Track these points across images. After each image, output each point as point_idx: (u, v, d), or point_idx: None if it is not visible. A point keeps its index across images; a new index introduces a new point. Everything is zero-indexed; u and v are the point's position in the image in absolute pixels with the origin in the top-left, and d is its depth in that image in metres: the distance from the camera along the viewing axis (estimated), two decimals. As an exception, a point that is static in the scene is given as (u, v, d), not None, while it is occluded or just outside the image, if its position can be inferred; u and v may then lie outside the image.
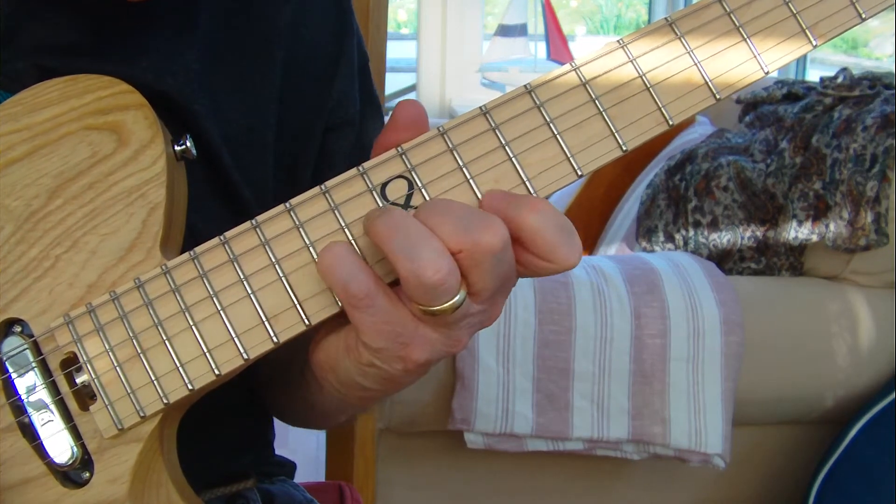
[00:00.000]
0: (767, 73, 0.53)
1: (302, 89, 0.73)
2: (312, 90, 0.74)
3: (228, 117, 0.69)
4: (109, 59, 0.57)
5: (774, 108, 1.91)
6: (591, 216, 2.23)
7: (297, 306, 0.51)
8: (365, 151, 0.75)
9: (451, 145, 0.52)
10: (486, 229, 0.46)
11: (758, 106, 2.00)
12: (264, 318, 0.51)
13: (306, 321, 0.51)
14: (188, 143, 0.56)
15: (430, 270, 0.45)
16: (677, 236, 1.89)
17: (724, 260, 1.81)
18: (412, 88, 3.75)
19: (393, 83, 3.77)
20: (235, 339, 0.51)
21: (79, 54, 0.61)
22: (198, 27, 0.67)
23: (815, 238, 1.68)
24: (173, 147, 0.55)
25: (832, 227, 1.65)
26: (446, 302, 0.47)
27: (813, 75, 3.36)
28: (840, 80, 1.79)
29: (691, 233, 1.85)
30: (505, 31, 3.50)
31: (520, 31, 3.50)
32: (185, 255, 0.52)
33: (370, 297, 0.48)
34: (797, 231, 1.69)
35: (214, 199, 0.67)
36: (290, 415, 0.76)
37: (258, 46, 0.70)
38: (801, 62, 3.37)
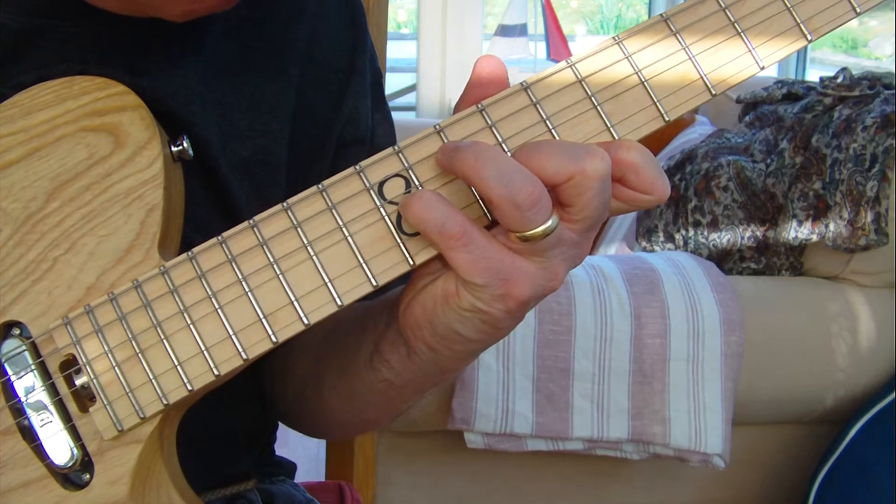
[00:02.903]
0: (763, 67, 0.53)
1: (314, 106, 0.73)
2: (324, 107, 0.74)
3: (242, 136, 0.68)
4: (112, 78, 0.57)
5: (774, 108, 1.91)
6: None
7: (296, 305, 0.51)
8: None
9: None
10: (592, 156, 0.48)
11: (758, 106, 2.00)
12: (262, 318, 0.51)
13: (305, 320, 0.51)
14: (185, 144, 0.56)
15: (524, 192, 0.47)
16: (677, 236, 1.89)
17: (724, 260, 1.81)
18: (412, 88, 3.74)
19: (393, 83, 3.77)
20: (234, 339, 0.51)
21: (82, 71, 0.61)
22: (205, 48, 0.67)
23: (814, 238, 1.68)
24: (170, 148, 0.55)
25: (832, 226, 1.65)
26: (540, 225, 0.48)
27: (813, 75, 3.36)
28: (840, 80, 1.79)
29: (691, 233, 1.85)
30: (505, 31, 3.51)
31: (520, 31, 3.50)
32: (183, 256, 0.52)
33: (467, 235, 0.49)
34: (797, 231, 1.69)
35: (214, 217, 0.67)
36: (339, 413, 0.72)
37: (273, 66, 0.70)
38: (801, 62, 3.37)
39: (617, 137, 0.52)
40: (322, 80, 0.73)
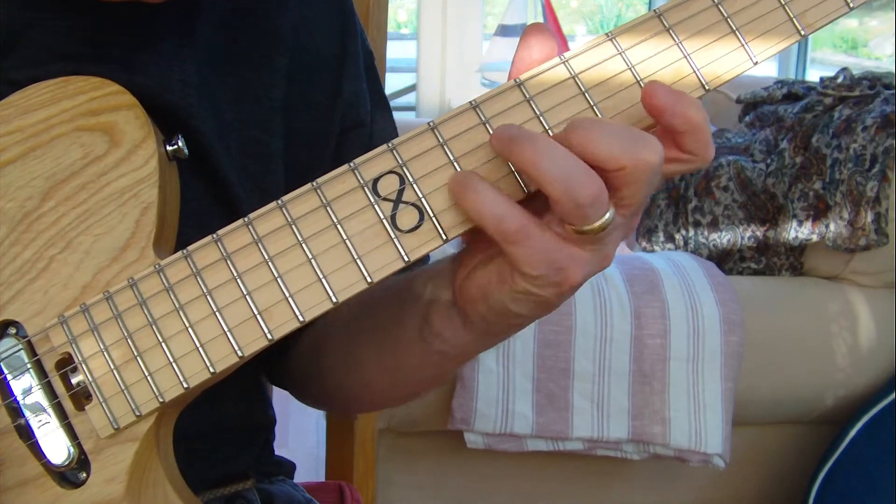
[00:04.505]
0: (756, 63, 0.53)
1: (309, 95, 0.73)
2: (320, 95, 0.73)
3: (233, 128, 0.68)
4: (107, 74, 0.57)
5: (774, 108, 1.91)
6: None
7: (290, 301, 0.51)
8: None
9: (441, 140, 0.52)
10: (646, 147, 0.47)
11: (758, 106, 2.00)
12: (258, 315, 0.51)
13: (300, 317, 0.51)
14: (180, 143, 0.56)
15: (585, 190, 0.47)
16: (677, 236, 1.89)
17: (724, 260, 1.81)
18: (412, 88, 3.74)
19: (393, 83, 3.77)
20: (229, 336, 0.51)
21: (76, 68, 0.61)
22: (199, 39, 0.66)
23: (815, 238, 1.68)
24: (165, 147, 0.56)
25: (832, 227, 1.65)
26: (598, 220, 0.48)
27: (813, 75, 3.36)
28: (840, 80, 1.79)
29: (691, 233, 1.85)
30: (505, 31, 3.50)
31: (520, 31, 3.49)
32: (179, 254, 0.52)
33: (524, 230, 0.49)
34: (797, 231, 1.69)
35: (214, 214, 0.66)
36: (381, 388, 0.71)
37: (259, 55, 0.70)
38: (801, 62, 3.37)
39: None
40: (313, 67, 0.73)
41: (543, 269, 0.50)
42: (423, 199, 0.51)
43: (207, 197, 0.67)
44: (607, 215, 0.48)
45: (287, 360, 0.77)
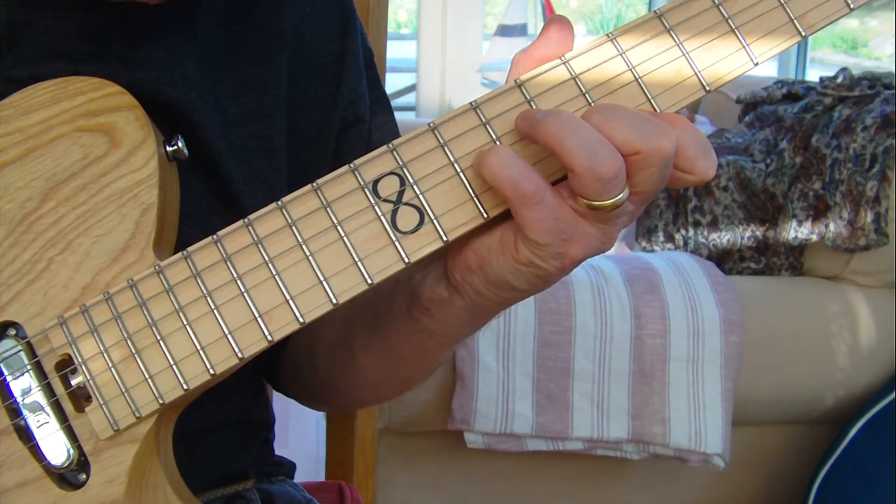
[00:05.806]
0: (757, 63, 0.53)
1: (310, 91, 0.73)
2: (321, 92, 0.73)
3: (234, 123, 0.68)
4: (108, 71, 0.56)
5: (774, 108, 1.91)
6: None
7: (291, 304, 0.51)
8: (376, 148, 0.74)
9: (441, 141, 0.52)
10: (662, 135, 0.49)
11: (757, 106, 2.00)
12: (258, 317, 0.51)
13: (300, 319, 0.51)
14: (180, 144, 0.56)
15: (606, 165, 0.48)
16: (677, 236, 1.89)
17: (724, 260, 1.81)
18: (412, 88, 3.74)
19: (393, 83, 3.77)
20: (230, 338, 0.51)
21: (77, 65, 0.61)
22: (198, 35, 0.66)
23: (814, 238, 1.68)
24: (165, 147, 0.55)
25: (832, 226, 1.65)
26: (613, 197, 0.49)
27: (813, 75, 3.36)
28: (840, 80, 1.79)
29: (691, 232, 1.85)
30: (505, 31, 3.51)
31: (520, 31, 3.50)
32: (178, 255, 0.52)
33: (540, 193, 0.49)
34: (797, 231, 1.69)
35: (216, 212, 0.66)
36: (374, 374, 0.71)
37: (261, 51, 0.70)
38: (801, 62, 3.37)
39: None
40: (314, 64, 0.73)
41: (550, 238, 0.50)
42: (423, 201, 0.51)
43: (209, 194, 0.66)
44: (621, 195, 0.49)
45: (283, 357, 0.77)
